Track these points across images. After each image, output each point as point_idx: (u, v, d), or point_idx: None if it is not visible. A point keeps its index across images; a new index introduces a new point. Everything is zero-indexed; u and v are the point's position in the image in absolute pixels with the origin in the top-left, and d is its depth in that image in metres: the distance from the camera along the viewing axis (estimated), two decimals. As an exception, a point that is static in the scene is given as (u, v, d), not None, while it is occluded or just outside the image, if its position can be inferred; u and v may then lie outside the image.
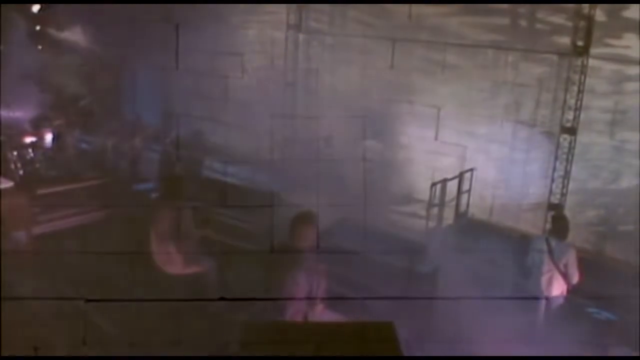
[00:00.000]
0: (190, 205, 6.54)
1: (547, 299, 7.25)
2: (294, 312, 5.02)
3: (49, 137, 12.73)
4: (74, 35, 18.44)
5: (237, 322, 5.91)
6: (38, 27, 18.76)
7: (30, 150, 10.70)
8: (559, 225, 7.52)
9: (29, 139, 12.19)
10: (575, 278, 7.28)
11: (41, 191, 8.25)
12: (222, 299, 6.35)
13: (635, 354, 7.02)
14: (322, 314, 5.12)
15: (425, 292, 6.16)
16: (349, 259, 6.38)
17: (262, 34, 16.20)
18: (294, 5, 15.06)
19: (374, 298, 5.88)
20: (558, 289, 7.26)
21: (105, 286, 6.93)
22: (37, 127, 12.99)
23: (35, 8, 18.26)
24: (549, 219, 7.77)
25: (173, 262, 6.27)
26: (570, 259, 7.24)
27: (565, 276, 7.23)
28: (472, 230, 11.35)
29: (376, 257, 6.37)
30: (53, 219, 7.95)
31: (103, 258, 6.69)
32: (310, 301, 5.02)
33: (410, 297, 5.76)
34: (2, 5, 15.94)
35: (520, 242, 10.68)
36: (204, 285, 6.49)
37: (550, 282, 7.25)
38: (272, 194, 8.74)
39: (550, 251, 7.16)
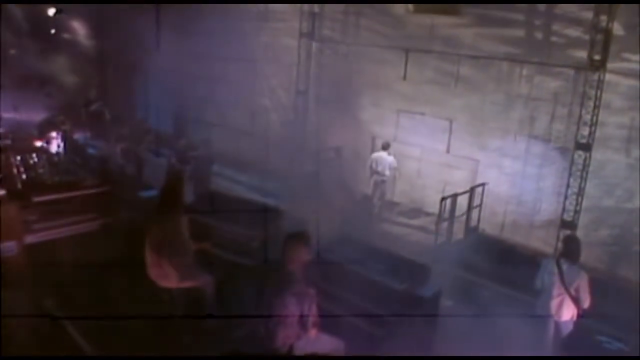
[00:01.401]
0: (188, 216, 6.35)
1: (557, 323, 7.00)
2: (284, 337, 4.81)
3: (54, 142, 12.66)
4: (86, 39, 18.56)
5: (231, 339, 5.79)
6: (53, 31, 18.88)
7: (34, 155, 10.57)
8: (571, 247, 7.23)
9: (34, 144, 12.15)
10: (587, 303, 7.01)
11: (39, 198, 8.04)
12: (209, 316, 6.21)
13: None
14: (315, 338, 4.91)
15: (424, 317, 5.90)
16: (345, 279, 6.17)
17: (275, 41, 16.08)
18: (307, 13, 14.92)
19: (358, 315, 5.71)
20: (568, 313, 6.99)
21: (84, 298, 6.81)
22: (42, 132, 12.94)
23: (51, 11, 18.33)
24: (561, 240, 7.46)
25: (167, 276, 6.07)
26: (582, 283, 6.97)
27: (577, 300, 6.96)
28: (482, 246, 11.08)
29: (375, 278, 6.13)
30: (49, 228, 7.77)
31: (91, 269, 6.61)
32: (301, 325, 4.81)
33: (398, 314, 5.58)
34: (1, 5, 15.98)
35: (530, 261, 10.50)
36: (200, 300, 6.30)
37: (560, 306, 6.98)
38: (275, 208, 8.48)
39: (561, 274, 6.89)
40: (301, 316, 4.81)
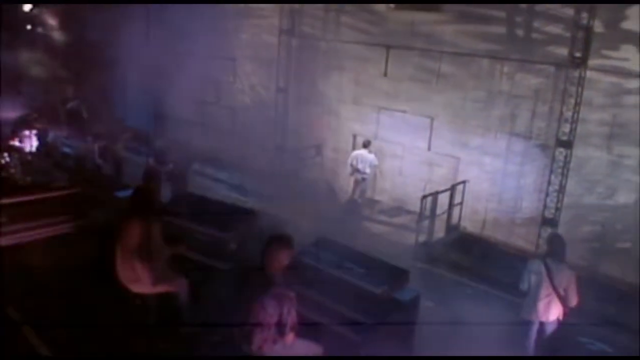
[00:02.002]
0: (162, 218, 6.16)
1: (542, 324, 6.89)
2: (261, 340, 4.66)
3: (27, 141, 12.37)
4: (63, 35, 18.25)
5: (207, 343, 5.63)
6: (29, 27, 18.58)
7: (6, 154, 10.27)
8: (557, 246, 7.07)
9: (6, 143, 11.84)
10: (574, 301, 6.89)
11: (9, 200, 7.73)
12: (183, 324, 6.04)
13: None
14: (292, 343, 4.77)
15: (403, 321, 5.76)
16: (321, 282, 6.01)
17: (255, 38, 15.92)
18: (287, 10, 14.77)
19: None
20: (555, 314, 6.87)
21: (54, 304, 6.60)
22: (14, 130, 12.61)
23: (27, 7, 18.04)
24: (546, 240, 7.32)
25: (140, 280, 5.88)
26: (571, 282, 6.85)
27: (565, 300, 6.85)
28: (464, 244, 11.02)
29: (352, 281, 5.98)
30: (19, 230, 7.48)
31: (62, 274, 6.39)
32: (279, 329, 4.66)
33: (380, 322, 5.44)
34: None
35: (512, 259, 10.45)
36: (174, 304, 6.12)
37: (548, 307, 6.84)
38: (251, 210, 8.31)
39: (550, 275, 6.76)
40: (279, 320, 4.68)
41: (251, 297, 4.69)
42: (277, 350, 4.71)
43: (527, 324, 6.91)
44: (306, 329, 5.04)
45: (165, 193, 11.08)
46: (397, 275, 6.05)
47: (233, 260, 6.86)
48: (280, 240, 4.99)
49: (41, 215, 7.61)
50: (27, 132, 12.54)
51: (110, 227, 6.28)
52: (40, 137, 13.05)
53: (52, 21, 18.72)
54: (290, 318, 4.71)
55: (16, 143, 12.37)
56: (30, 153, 12.04)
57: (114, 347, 5.94)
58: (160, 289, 6.02)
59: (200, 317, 6.04)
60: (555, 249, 6.90)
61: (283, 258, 4.88)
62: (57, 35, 18.73)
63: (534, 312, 6.82)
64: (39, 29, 18.79)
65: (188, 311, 6.16)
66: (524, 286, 6.95)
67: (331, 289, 5.94)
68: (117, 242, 5.95)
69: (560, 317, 6.83)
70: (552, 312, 6.79)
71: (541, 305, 6.76)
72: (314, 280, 6.11)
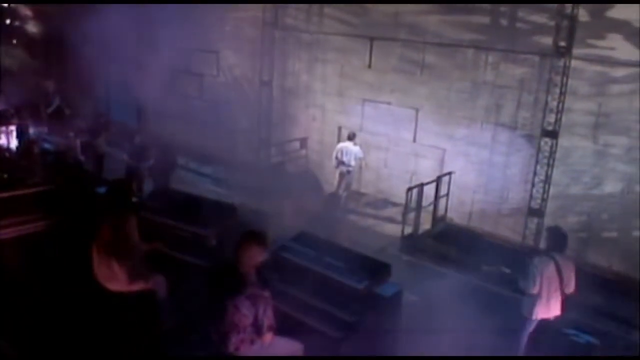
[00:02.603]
0: (139, 214, 6.01)
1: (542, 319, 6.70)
2: (237, 342, 4.52)
3: (3, 137, 12.09)
4: (42, 28, 18.00)
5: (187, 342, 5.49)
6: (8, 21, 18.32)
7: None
8: (559, 238, 6.87)
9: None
10: (572, 288, 6.77)
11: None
12: (160, 323, 5.89)
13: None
14: (271, 342, 4.63)
15: (385, 317, 5.62)
16: (302, 277, 5.87)
17: (238, 31, 15.74)
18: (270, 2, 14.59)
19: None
20: (559, 307, 6.71)
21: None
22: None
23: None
24: (548, 234, 7.00)
25: (116, 277, 5.73)
26: (572, 272, 6.72)
27: (567, 291, 6.70)
28: (450, 236, 10.97)
29: (333, 276, 5.83)
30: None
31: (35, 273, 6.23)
32: (255, 329, 4.52)
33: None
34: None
35: (502, 252, 10.39)
36: (152, 303, 5.97)
37: (556, 303, 6.63)
38: (231, 205, 8.15)
39: (559, 270, 6.57)
40: (255, 320, 4.53)
41: (224, 297, 4.55)
42: (256, 350, 4.59)
43: (527, 321, 6.67)
44: (286, 326, 4.93)
45: (148, 189, 10.96)
46: (379, 270, 5.90)
47: (212, 257, 6.70)
48: (253, 237, 4.80)
49: (16, 213, 7.40)
50: (3, 129, 12.25)
51: (87, 224, 6.13)
52: (19, 134, 12.78)
53: (29, 13, 18.44)
54: (267, 318, 4.56)
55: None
56: (8, 149, 11.79)
57: (89, 346, 5.77)
58: (137, 286, 5.87)
59: (179, 316, 5.90)
60: (559, 242, 6.69)
61: (256, 256, 4.70)
62: (36, 29, 18.48)
63: (543, 311, 6.55)
64: (17, 23, 18.51)
65: (166, 309, 6.02)
66: (532, 287, 6.48)
67: (311, 285, 5.81)
68: (93, 239, 5.81)
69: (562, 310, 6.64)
70: (558, 308, 6.61)
71: (552, 302, 6.53)
72: (293, 276, 5.98)
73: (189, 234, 7.32)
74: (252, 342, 4.57)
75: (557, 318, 6.48)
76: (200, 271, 6.05)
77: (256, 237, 4.81)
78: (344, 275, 5.74)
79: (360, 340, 5.29)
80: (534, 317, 6.55)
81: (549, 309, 6.53)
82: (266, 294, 4.60)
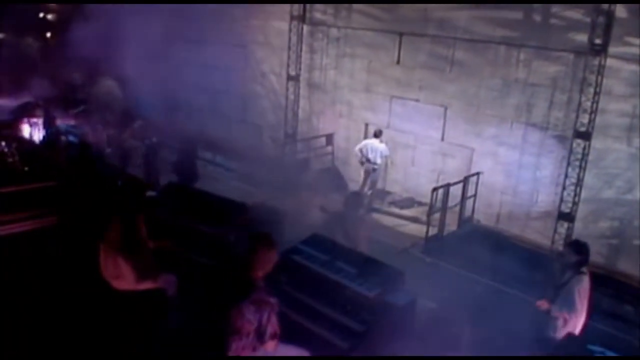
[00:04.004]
0: (148, 212, 5.86)
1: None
2: (239, 348, 4.33)
3: (27, 130, 12.13)
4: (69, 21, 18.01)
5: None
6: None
7: (3, 143, 10.01)
8: (587, 254, 6.49)
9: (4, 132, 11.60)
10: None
11: (3, 189, 7.43)
12: (166, 324, 5.72)
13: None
14: (274, 350, 4.43)
15: (396, 327, 5.35)
16: (310, 283, 5.64)
17: (265, 24, 15.58)
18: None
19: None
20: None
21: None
22: (16, 119, 12.36)
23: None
24: (576, 250, 6.50)
25: (123, 276, 5.59)
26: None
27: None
28: (477, 238, 10.68)
29: (344, 283, 5.58)
30: (5, 222, 7.18)
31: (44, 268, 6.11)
32: (258, 336, 4.32)
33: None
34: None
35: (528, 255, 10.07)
36: (161, 302, 5.81)
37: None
38: (242, 204, 7.95)
39: (591, 287, 6.18)
40: (258, 327, 4.33)
41: (230, 302, 4.36)
42: (258, 357, 4.39)
43: (550, 341, 6.27)
44: (292, 333, 4.73)
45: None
46: (392, 277, 5.64)
47: (221, 258, 6.53)
48: (262, 240, 4.62)
49: (24, 208, 7.31)
50: (26, 121, 12.30)
51: (96, 221, 6.01)
52: (46, 126, 12.82)
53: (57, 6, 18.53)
54: (271, 325, 4.36)
55: (17, 132, 12.14)
56: (31, 142, 11.81)
57: (96, 345, 5.64)
58: (145, 285, 5.71)
59: (187, 316, 5.72)
60: (587, 256, 6.31)
61: (265, 261, 4.53)
62: (63, 21, 18.56)
63: (573, 331, 6.17)
64: (41, 14, 18.62)
65: (175, 309, 5.86)
66: (577, 313, 5.99)
67: (320, 291, 5.59)
68: (101, 236, 5.68)
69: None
70: (584, 323, 6.23)
71: (582, 321, 6.15)
72: (302, 281, 5.77)
73: (198, 232, 7.15)
74: (254, 349, 4.36)
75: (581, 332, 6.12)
76: (208, 271, 5.87)
77: (265, 241, 4.62)
78: (355, 281, 5.49)
79: (369, 351, 5.05)
80: (559, 335, 6.04)
81: (577, 328, 6.10)
82: (273, 300, 4.39)
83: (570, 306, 5.98)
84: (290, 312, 5.43)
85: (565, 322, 6.04)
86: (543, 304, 6.24)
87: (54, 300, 6.08)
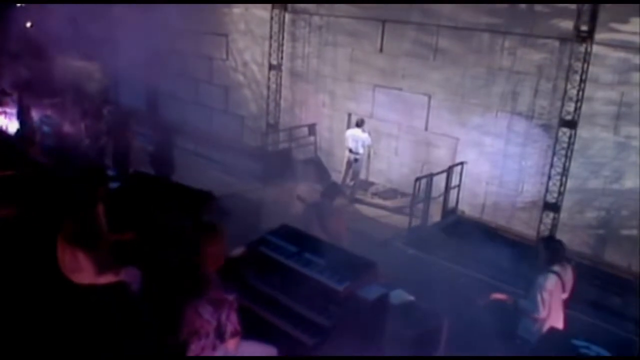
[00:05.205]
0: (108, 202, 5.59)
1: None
2: (198, 349, 4.05)
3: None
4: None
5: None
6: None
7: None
8: (560, 249, 6.26)
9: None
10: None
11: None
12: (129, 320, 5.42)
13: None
14: (236, 347, 4.16)
15: (367, 323, 5.08)
16: (277, 276, 5.36)
17: (247, 13, 15.28)
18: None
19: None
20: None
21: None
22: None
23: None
24: (545, 247, 6.26)
25: (82, 269, 5.31)
26: (572, 281, 6.15)
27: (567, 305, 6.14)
28: (460, 229, 10.49)
29: (312, 276, 5.29)
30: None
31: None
32: (218, 336, 4.04)
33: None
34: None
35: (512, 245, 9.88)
36: (124, 297, 5.53)
37: (558, 318, 6.08)
38: (208, 193, 7.67)
39: (563, 285, 5.96)
40: (218, 326, 4.05)
41: (185, 301, 4.07)
42: (219, 355, 4.13)
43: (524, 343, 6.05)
44: (257, 329, 4.48)
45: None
46: (364, 269, 5.36)
47: (181, 252, 6.22)
48: (207, 234, 4.30)
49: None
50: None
51: (54, 213, 5.72)
52: (20, 116, 12.48)
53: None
54: (230, 323, 4.08)
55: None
56: (5, 132, 11.46)
57: (53, 342, 5.34)
58: (105, 279, 5.43)
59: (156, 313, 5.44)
60: (559, 254, 6.06)
61: (215, 253, 4.21)
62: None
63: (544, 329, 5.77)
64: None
65: (141, 305, 5.57)
66: (539, 312, 5.75)
67: (287, 284, 5.31)
68: (59, 227, 5.39)
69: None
70: (561, 322, 6.02)
71: (555, 320, 5.82)
72: (269, 274, 5.49)
73: (160, 224, 6.85)
74: (214, 348, 4.10)
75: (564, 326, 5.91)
76: (165, 267, 5.57)
77: (211, 233, 4.31)
78: (325, 274, 5.20)
79: (336, 349, 4.78)
80: (531, 337, 5.84)
81: (546, 326, 5.78)
82: (230, 297, 4.10)
83: (534, 305, 5.78)
84: (255, 307, 5.15)
85: (535, 320, 5.85)
86: (498, 296, 6.12)
87: (10, 295, 5.77)
